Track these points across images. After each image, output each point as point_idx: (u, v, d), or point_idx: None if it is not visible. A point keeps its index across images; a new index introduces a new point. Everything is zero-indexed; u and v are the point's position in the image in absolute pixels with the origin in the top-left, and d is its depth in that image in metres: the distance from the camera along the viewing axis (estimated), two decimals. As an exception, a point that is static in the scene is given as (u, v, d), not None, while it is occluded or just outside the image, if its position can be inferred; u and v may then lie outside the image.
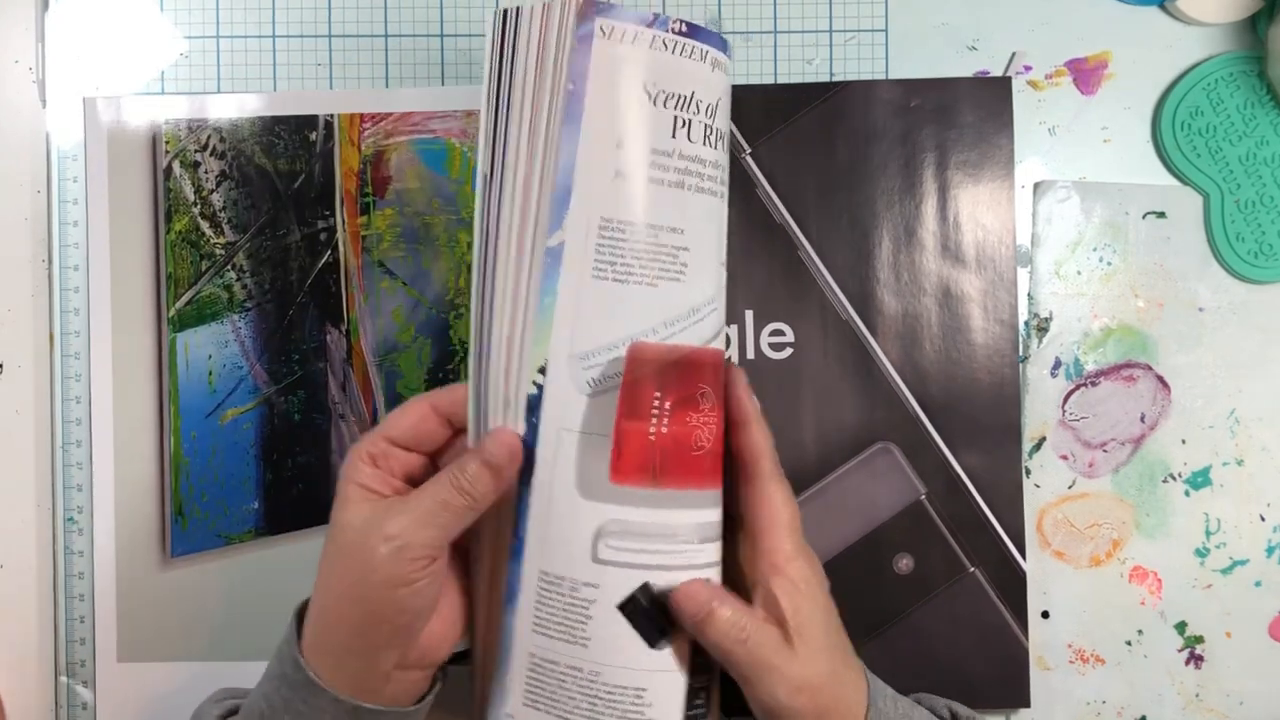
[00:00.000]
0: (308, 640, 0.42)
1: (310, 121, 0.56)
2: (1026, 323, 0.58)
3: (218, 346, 0.57)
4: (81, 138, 0.57)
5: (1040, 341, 0.58)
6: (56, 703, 0.57)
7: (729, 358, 0.55)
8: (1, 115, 0.58)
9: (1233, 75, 0.57)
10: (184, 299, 0.57)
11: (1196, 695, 0.57)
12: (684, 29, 0.41)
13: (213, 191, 0.56)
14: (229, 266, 0.57)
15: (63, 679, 0.58)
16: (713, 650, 0.41)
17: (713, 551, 0.43)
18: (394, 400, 0.56)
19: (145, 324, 0.57)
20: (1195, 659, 0.57)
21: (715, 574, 0.43)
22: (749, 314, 0.56)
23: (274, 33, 0.59)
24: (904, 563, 0.56)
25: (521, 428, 0.41)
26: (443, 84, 0.58)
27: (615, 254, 0.41)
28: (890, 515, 0.56)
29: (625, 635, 0.41)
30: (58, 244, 0.58)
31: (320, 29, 0.59)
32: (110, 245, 0.56)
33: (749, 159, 0.56)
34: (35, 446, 0.57)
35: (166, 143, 0.56)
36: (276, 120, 0.56)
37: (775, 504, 0.42)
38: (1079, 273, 0.58)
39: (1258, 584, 0.58)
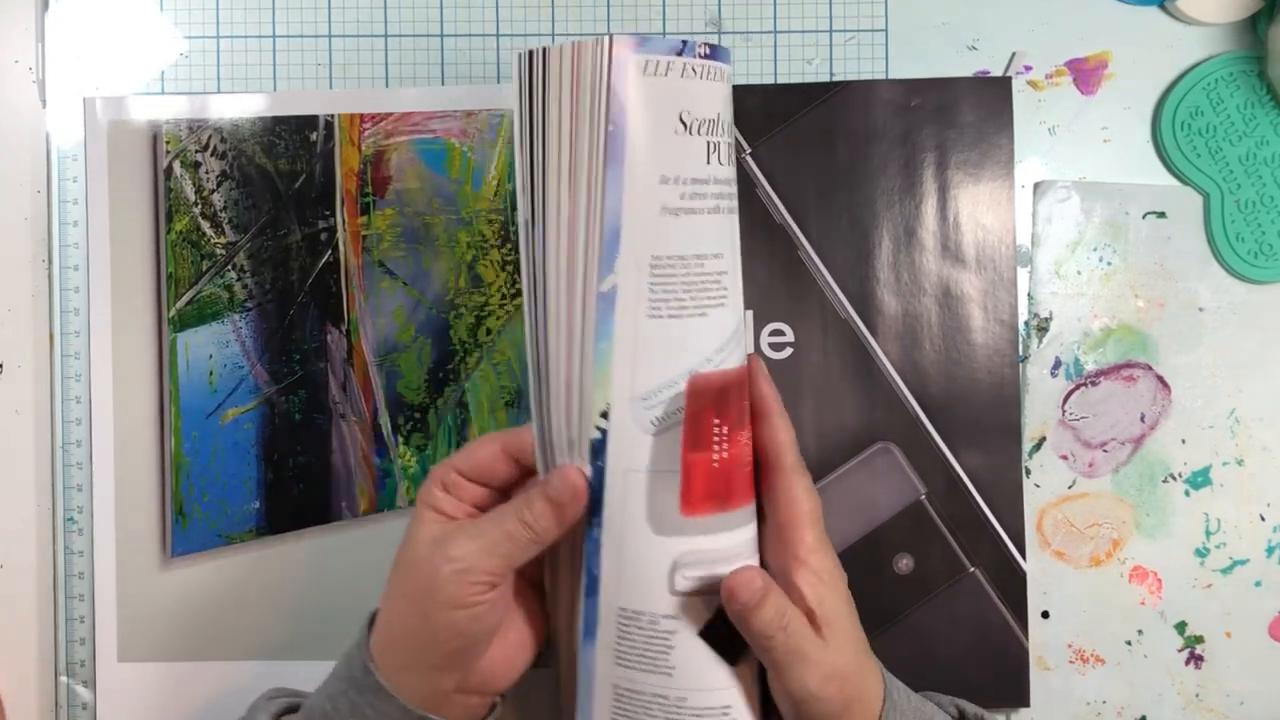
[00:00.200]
0: (375, 648, 0.43)
1: (310, 121, 0.56)
2: (1026, 323, 0.58)
3: (218, 346, 0.57)
4: (81, 138, 0.57)
5: (1040, 341, 0.58)
6: (56, 703, 0.57)
7: None
8: (1, 115, 0.58)
9: (1233, 75, 0.57)
10: (184, 299, 0.57)
11: (1196, 695, 0.57)
12: (707, 52, 0.41)
13: (213, 191, 0.56)
14: (229, 266, 0.57)
15: (63, 679, 0.58)
16: (755, 638, 0.41)
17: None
18: (394, 400, 0.56)
19: (145, 324, 0.57)
20: (1195, 659, 0.57)
21: None
22: (749, 314, 0.56)
23: (274, 33, 0.59)
24: (904, 563, 0.56)
25: (587, 470, 0.41)
26: (443, 84, 0.58)
27: (668, 291, 0.40)
28: (890, 515, 0.56)
29: (707, 659, 0.42)
30: (58, 244, 0.58)
31: (320, 29, 0.59)
32: (110, 245, 0.56)
33: (749, 159, 0.56)
34: (35, 446, 0.57)
35: (167, 143, 0.56)
36: (277, 120, 0.56)
37: (798, 496, 0.42)
38: (1079, 273, 0.58)
39: (1258, 584, 0.58)
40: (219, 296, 0.57)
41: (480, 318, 0.56)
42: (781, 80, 0.58)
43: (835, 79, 0.58)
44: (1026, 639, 0.56)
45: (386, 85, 0.58)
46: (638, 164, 0.40)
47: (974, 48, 0.58)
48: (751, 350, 0.56)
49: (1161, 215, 0.58)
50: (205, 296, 0.57)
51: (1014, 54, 0.58)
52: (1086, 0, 0.58)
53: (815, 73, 0.58)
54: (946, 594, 0.56)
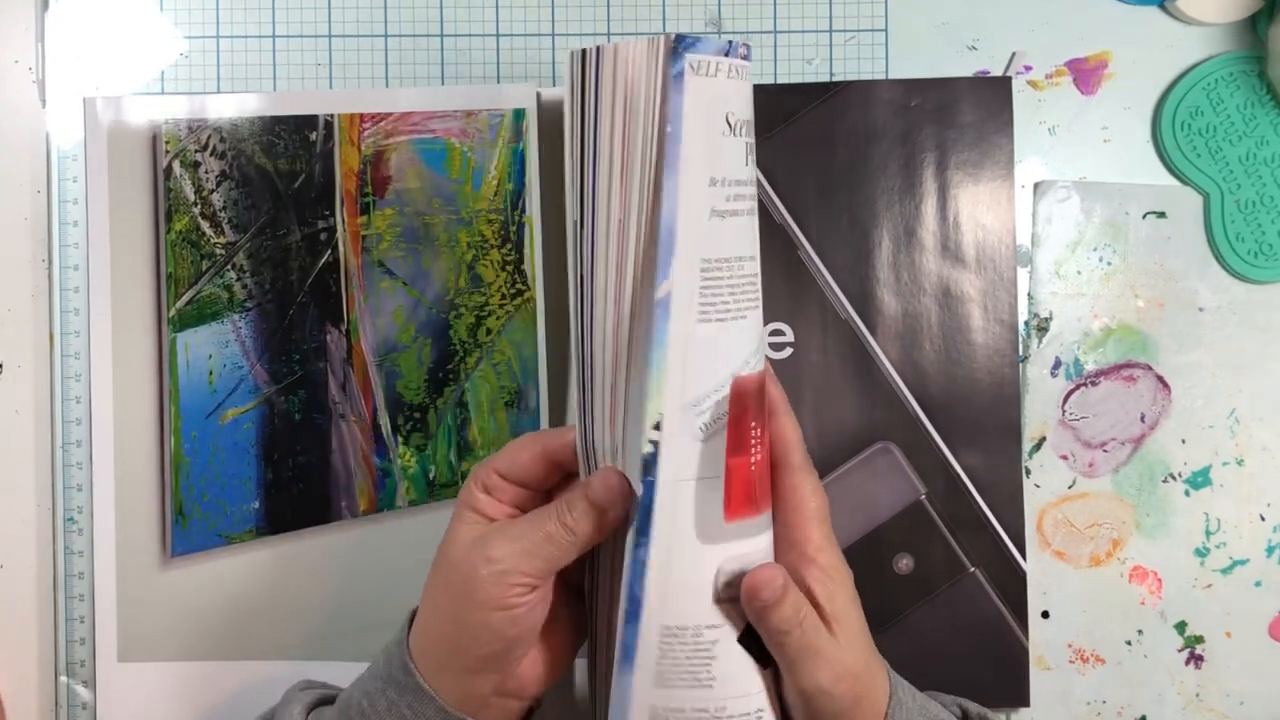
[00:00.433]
0: (414, 647, 0.42)
1: (310, 121, 0.56)
2: (1026, 323, 0.58)
3: (218, 346, 0.57)
4: (81, 138, 0.57)
5: (1040, 341, 0.58)
6: (56, 703, 0.57)
7: None
8: (1, 115, 0.58)
9: (1233, 75, 0.57)
10: (184, 299, 0.57)
11: (1196, 695, 0.57)
12: (746, 53, 0.40)
13: (213, 191, 0.56)
14: (229, 266, 0.57)
15: (63, 679, 0.58)
16: (771, 634, 0.41)
17: None
18: (394, 400, 0.56)
19: (145, 324, 0.57)
20: (1195, 659, 0.57)
21: None
22: (749, 314, 0.56)
23: (274, 33, 0.59)
24: (904, 563, 0.56)
25: (638, 487, 0.40)
26: (443, 84, 0.58)
27: (715, 294, 0.40)
28: (890, 515, 0.56)
29: (744, 664, 0.41)
30: (58, 244, 0.58)
31: (320, 29, 0.59)
32: (110, 245, 0.56)
33: (749, 159, 0.56)
34: (35, 446, 0.57)
35: (166, 143, 0.56)
36: (276, 120, 0.56)
37: (804, 493, 0.42)
38: (1079, 273, 0.58)
39: (1258, 584, 0.58)
40: (219, 296, 0.57)
41: (480, 318, 0.56)
42: (781, 80, 0.58)
43: (835, 79, 0.58)
44: (1026, 639, 0.56)
45: (386, 85, 0.58)
46: (692, 166, 0.39)
47: (974, 48, 0.58)
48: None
49: (1161, 215, 0.58)
50: (205, 296, 0.57)
51: (1014, 54, 0.58)
52: (1086, 0, 0.58)
53: (815, 73, 0.58)
54: (946, 594, 0.56)
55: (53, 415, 0.58)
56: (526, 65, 0.59)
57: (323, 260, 0.57)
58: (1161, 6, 0.58)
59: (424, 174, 0.56)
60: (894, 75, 0.58)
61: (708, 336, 0.40)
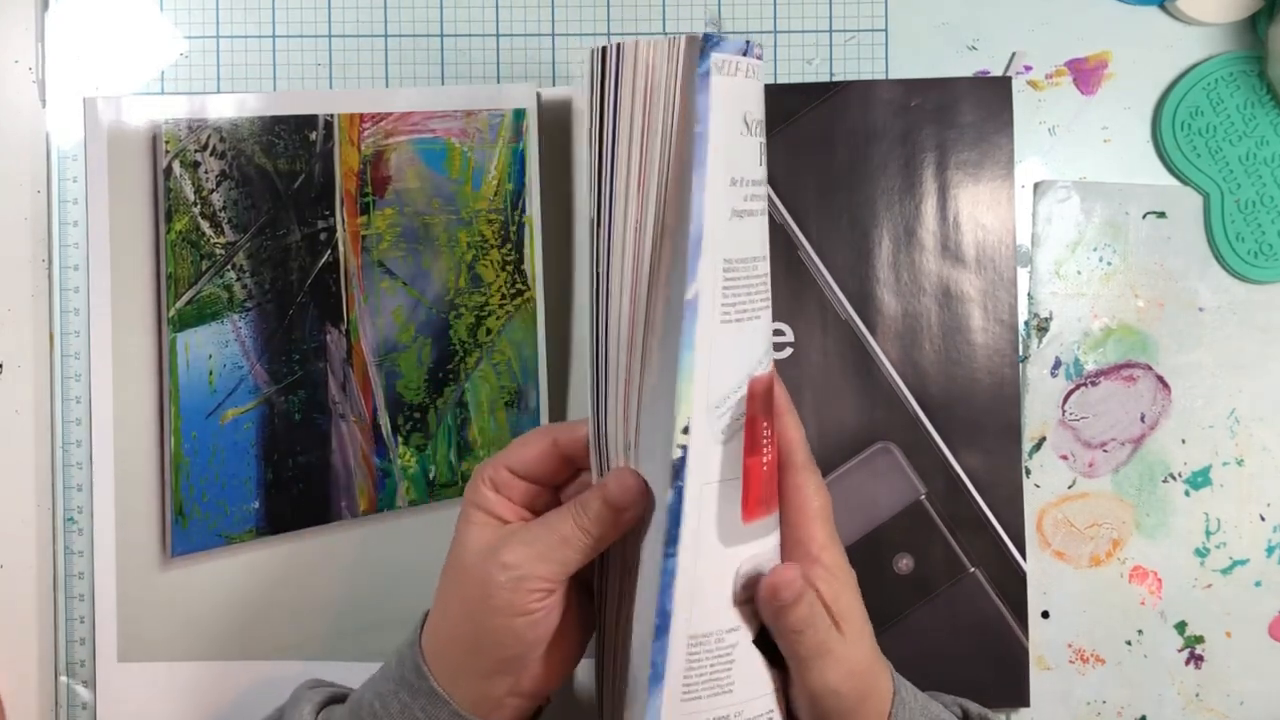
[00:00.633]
0: (428, 650, 0.42)
1: (310, 121, 0.56)
2: (1026, 323, 0.58)
3: (218, 346, 0.57)
4: (81, 138, 0.57)
5: (1040, 341, 0.58)
6: (56, 703, 0.57)
7: None
8: (1, 115, 0.58)
9: (1233, 75, 0.57)
10: (184, 299, 0.57)
11: (1196, 695, 0.57)
12: (760, 53, 0.40)
13: (213, 191, 0.56)
14: (229, 266, 0.57)
15: (63, 679, 0.58)
16: (785, 634, 0.40)
17: None
18: (394, 400, 0.56)
19: (145, 324, 0.57)
20: (1195, 659, 0.57)
21: None
22: (749, 314, 0.56)
23: (274, 33, 0.59)
24: (904, 563, 0.56)
25: (666, 493, 0.40)
26: (443, 84, 0.58)
27: (736, 295, 0.40)
28: (890, 515, 0.56)
29: (758, 665, 0.41)
30: (58, 244, 0.58)
31: (320, 29, 0.59)
32: (110, 245, 0.56)
33: (749, 159, 0.56)
34: (35, 446, 0.57)
35: (166, 143, 0.56)
36: (276, 120, 0.56)
37: (809, 493, 0.42)
38: (1079, 273, 0.58)
39: (1258, 584, 0.58)
40: (219, 296, 0.57)
41: (480, 318, 0.56)
42: (781, 80, 0.58)
43: (835, 79, 0.58)
44: (1026, 639, 0.56)
45: (386, 85, 0.58)
46: (716, 166, 0.38)
47: (974, 48, 0.58)
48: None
49: (1161, 215, 0.58)
50: (205, 296, 0.57)
51: (1014, 54, 0.58)
52: (1086, 0, 0.58)
53: (815, 73, 0.58)
54: (946, 594, 0.56)
55: (53, 415, 0.58)
56: (526, 65, 0.59)
57: (323, 260, 0.57)
58: (1161, 6, 0.58)
59: (424, 174, 0.56)
60: (894, 75, 0.58)
61: (729, 337, 0.40)
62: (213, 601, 0.56)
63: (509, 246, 0.56)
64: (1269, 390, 0.58)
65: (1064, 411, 0.58)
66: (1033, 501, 0.57)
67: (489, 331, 0.56)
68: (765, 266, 0.41)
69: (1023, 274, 0.58)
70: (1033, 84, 0.58)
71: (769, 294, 0.42)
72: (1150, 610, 0.57)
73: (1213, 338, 0.58)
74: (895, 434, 0.56)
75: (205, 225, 0.57)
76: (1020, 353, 0.57)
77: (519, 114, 0.56)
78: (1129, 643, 0.57)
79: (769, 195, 0.56)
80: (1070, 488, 0.58)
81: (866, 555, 0.56)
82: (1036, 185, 0.58)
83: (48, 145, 0.58)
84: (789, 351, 0.56)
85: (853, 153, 0.56)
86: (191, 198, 0.56)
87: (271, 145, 0.56)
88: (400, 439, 0.56)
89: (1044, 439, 0.58)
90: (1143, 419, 0.58)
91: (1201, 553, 0.58)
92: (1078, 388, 0.58)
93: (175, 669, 0.56)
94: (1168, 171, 0.58)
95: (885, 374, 0.56)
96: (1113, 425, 0.58)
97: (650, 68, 0.39)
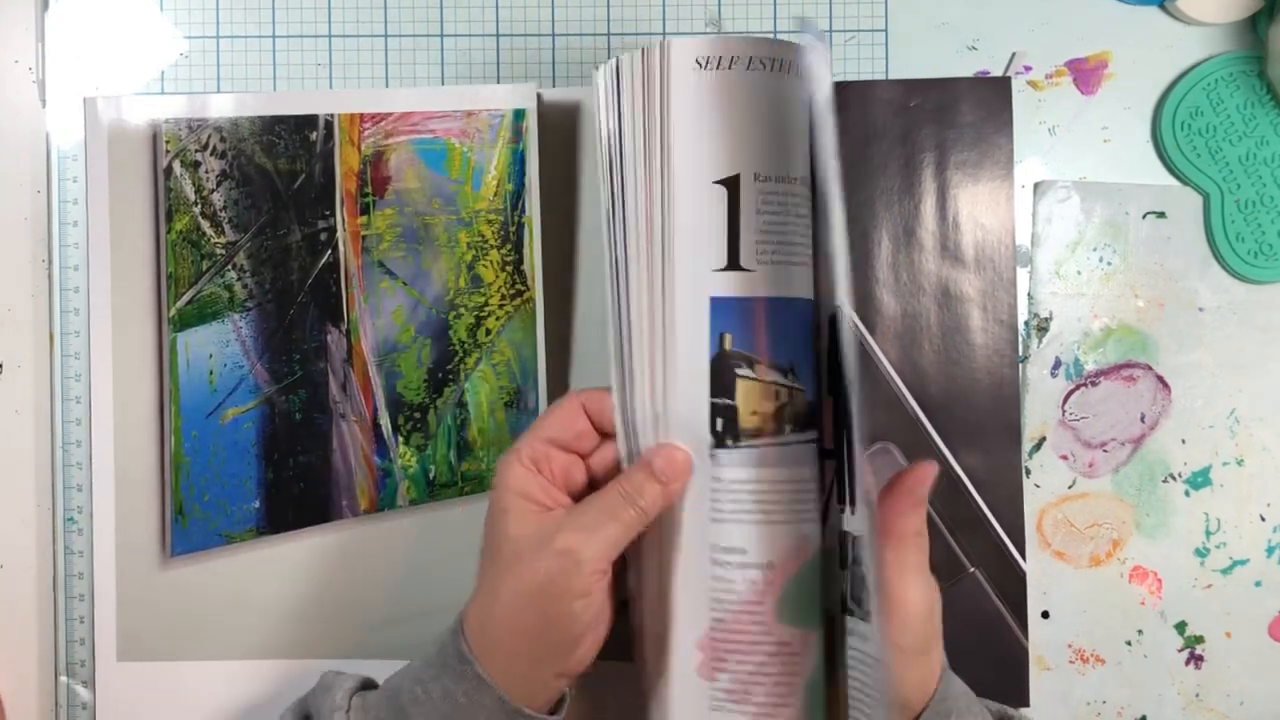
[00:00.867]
0: (472, 639, 0.43)
1: (310, 121, 0.56)
2: (1026, 323, 0.58)
3: (218, 346, 0.57)
4: (81, 138, 0.57)
5: (1040, 341, 0.58)
6: (56, 703, 0.57)
7: None
8: (1, 115, 0.58)
9: (1233, 75, 0.57)
10: (184, 298, 0.57)
11: (1196, 695, 0.57)
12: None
13: (213, 191, 0.56)
14: (229, 266, 0.57)
15: (63, 679, 0.58)
16: (913, 509, 0.45)
17: None
18: (394, 400, 0.56)
19: (145, 324, 0.57)
20: (1195, 659, 0.57)
21: None
22: (749, 314, 0.56)
23: (274, 33, 0.59)
24: (904, 563, 0.56)
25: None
26: (443, 84, 0.58)
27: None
28: (890, 515, 0.56)
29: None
30: (58, 244, 0.58)
31: (320, 29, 0.59)
32: (110, 245, 0.56)
33: (749, 159, 0.56)
34: (35, 446, 0.57)
35: (167, 142, 0.56)
36: (276, 120, 0.56)
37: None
38: (1079, 273, 0.58)
39: (1258, 584, 0.58)
40: (219, 296, 0.57)
41: (480, 318, 0.56)
42: (781, 80, 0.58)
43: (835, 79, 0.58)
44: (1026, 639, 0.56)
45: (386, 85, 0.58)
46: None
47: (974, 48, 0.58)
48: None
49: (1161, 215, 0.58)
50: (205, 296, 0.57)
51: (1014, 54, 0.58)
52: (1086, 0, 0.58)
53: (815, 73, 0.58)
54: (946, 594, 0.55)
55: (53, 415, 0.58)
56: (526, 65, 0.59)
57: (323, 260, 0.57)
58: (1161, 6, 0.58)
59: (424, 174, 0.56)
60: (894, 75, 0.58)
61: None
62: (213, 601, 0.56)
63: (509, 247, 0.56)
64: (1269, 390, 0.58)
65: (1064, 411, 0.58)
66: (1033, 501, 0.57)
67: (489, 332, 0.56)
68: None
69: (1022, 274, 0.58)
70: (1033, 84, 0.58)
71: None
72: (1150, 610, 0.57)
73: (1213, 338, 0.58)
74: (895, 434, 0.56)
75: (206, 225, 0.57)
76: (1020, 353, 0.57)
77: (519, 114, 0.56)
78: (1129, 643, 0.57)
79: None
80: (1070, 488, 0.58)
81: (866, 555, 0.56)
82: (1036, 185, 0.58)
83: (48, 145, 0.58)
84: (789, 351, 0.56)
85: (853, 153, 0.56)
86: (192, 197, 0.56)
87: (272, 145, 0.56)
88: (401, 439, 0.56)
89: (1044, 439, 0.58)
90: (1143, 419, 0.58)
91: (1201, 553, 0.58)
92: (1078, 388, 0.58)
93: (175, 669, 0.56)
94: (1168, 171, 0.58)
95: (885, 374, 0.56)
96: (1113, 425, 0.58)
97: (662, 66, 0.44)
